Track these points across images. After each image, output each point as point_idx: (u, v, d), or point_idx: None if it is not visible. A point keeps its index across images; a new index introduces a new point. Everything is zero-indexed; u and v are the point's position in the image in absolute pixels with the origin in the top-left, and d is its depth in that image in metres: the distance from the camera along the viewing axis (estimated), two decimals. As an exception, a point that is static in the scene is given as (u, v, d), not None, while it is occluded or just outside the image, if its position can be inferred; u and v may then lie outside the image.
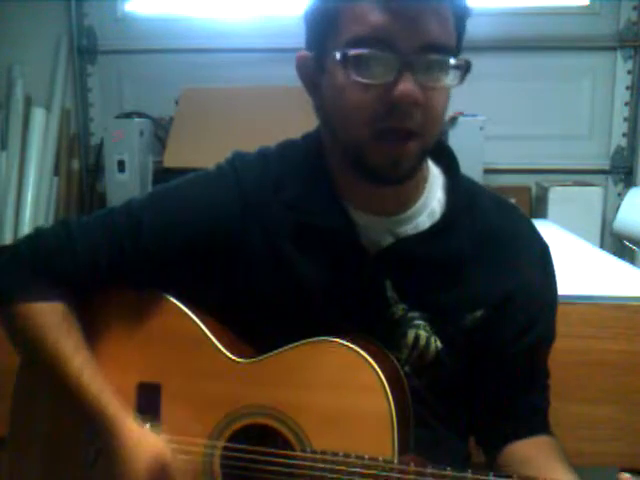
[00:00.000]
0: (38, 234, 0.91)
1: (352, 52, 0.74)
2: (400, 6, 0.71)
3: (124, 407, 0.85)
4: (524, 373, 0.90)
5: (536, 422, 0.91)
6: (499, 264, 0.87)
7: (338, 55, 0.75)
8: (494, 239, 0.87)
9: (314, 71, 0.80)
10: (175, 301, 0.90)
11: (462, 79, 0.77)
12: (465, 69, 0.76)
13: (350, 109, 0.76)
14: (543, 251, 0.91)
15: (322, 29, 0.78)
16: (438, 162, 0.91)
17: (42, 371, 0.90)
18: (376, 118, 0.75)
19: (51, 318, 0.87)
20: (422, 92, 0.74)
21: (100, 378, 0.86)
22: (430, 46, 0.73)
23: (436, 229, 0.85)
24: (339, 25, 0.75)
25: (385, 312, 0.86)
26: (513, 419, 0.90)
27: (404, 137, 0.76)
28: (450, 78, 0.76)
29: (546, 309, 0.91)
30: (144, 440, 0.83)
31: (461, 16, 0.77)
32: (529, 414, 0.91)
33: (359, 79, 0.74)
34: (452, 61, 0.75)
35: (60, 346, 0.85)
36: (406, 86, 0.72)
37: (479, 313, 0.86)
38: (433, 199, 0.87)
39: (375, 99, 0.74)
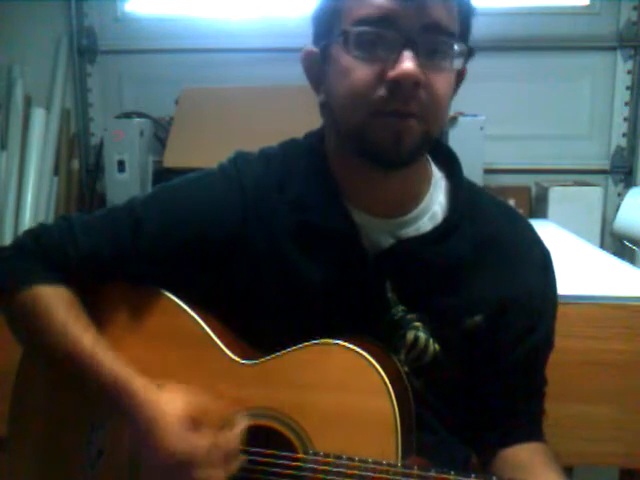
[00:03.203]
0: (41, 229, 0.91)
1: (354, 30, 0.74)
2: None
3: (142, 378, 0.83)
4: (522, 379, 0.90)
5: (531, 429, 0.91)
6: (500, 269, 0.87)
7: (340, 35, 0.75)
8: (496, 244, 0.87)
9: (320, 65, 0.81)
10: (178, 301, 0.90)
11: (464, 64, 0.78)
12: (467, 55, 0.77)
13: (352, 89, 0.76)
14: (544, 257, 0.91)
15: (327, 21, 0.79)
16: (441, 165, 0.90)
17: (49, 356, 0.88)
18: (378, 99, 0.75)
19: (56, 300, 0.86)
20: (424, 73, 0.74)
21: (112, 353, 0.84)
22: (433, 26, 0.74)
23: (437, 232, 0.85)
24: (343, 12, 0.76)
25: (385, 313, 0.86)
26: (509, 424, 0.90)
27: (405, 116, 0.75)
28: (452, 62, 0.76)
29: (546, 315, 0.90)
30: (165, 391, 0.82)
31: (465, 10, 0.78)
32: (525, 420, 0.91)
33: (361, 55, 0.74)
34: (455, 45, 0.75)
35: (69, 326, 0.84)
36: (407, 65, 0.72)
37: (478, 318, 0.86)
38: (435, 202, 0.87)
39: (377, 78, 0.74)
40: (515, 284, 0.87)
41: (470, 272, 0.86)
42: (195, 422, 0.79)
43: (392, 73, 0.73)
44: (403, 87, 0.73)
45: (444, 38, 0.75)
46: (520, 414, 0.91)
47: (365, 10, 0.74)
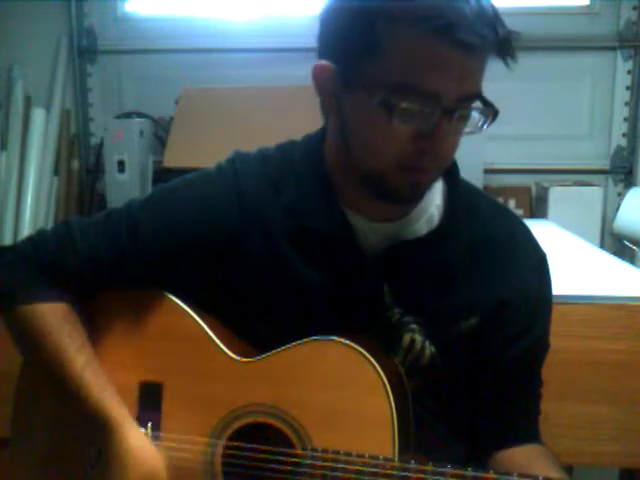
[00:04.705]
0: (40, 234, 0.92)
1: (402, 104, 0.71)
2: (454, 62, 0.70)
3: (125, 410, 0.85)
4: (518, 380, 0.90)
5: (528, 430, 0.91)
6: (495, 271, 0.87)
7: (381, 97, 0.72)
8: (491, 246, 0.87)
9: (337, 85, 0.77)
10: (177, 300, 0.90)
11: (488, 125, 0.77)
12: (493, 116, 0.76)
13: (378, 144, 0.76)
14: (540, 259, 0.91)
15: (360, 51, 0.73)
16: None
17: (44, 372, 0.89)
18: (404, 156, 0.75)
19: (53, 319, 0.87)
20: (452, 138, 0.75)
21: (102, 379, 0.86)
22: (470, 96, 0.74)
23: (434, 235, 0.85)
24: (385, 61, 0.72)
25: (382, 315, 0.86)
26: (506, 426, 0.90)
27: (426, 170, 0.77)
28: (476, 122, 0.77)
29: (541, 317, 0.91)
30: (141, 452, 0.83)
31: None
32: (522, 421, 0.91)
33: (397, 125, 0.73)
34: (482, 107, 0.75)
35: (62, 348, 0.86)
36: (446, 139, 0.73)
37: (474, 320, 0.86)
38: (432, 204, 0.87)
39: (408, 141, 0.74)
40: (510, 286, 0.87)
41: (466, 274, 0.86)
42: None
43: (427, 142, 0.73)
44: (435, 155, 0.75)
45: (476, 104, 0.75)
46: (516, 415, 0.91)
47: (411, 77, 0.70)
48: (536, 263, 0.90)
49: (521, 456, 0.88)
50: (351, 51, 0.74)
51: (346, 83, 0.76)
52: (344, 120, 0.79)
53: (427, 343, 0.86)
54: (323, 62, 0.78)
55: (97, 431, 0.85)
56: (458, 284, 0.86)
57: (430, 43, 0.69)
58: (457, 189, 0.88)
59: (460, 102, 0.73)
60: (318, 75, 0.79)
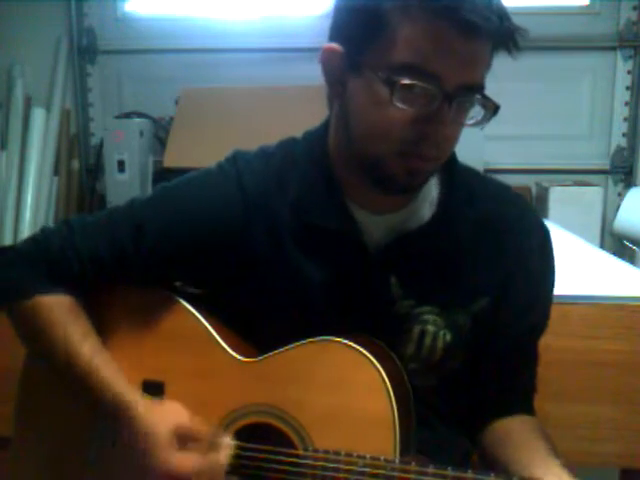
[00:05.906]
0: (42, 233, 0.92)
1: (403, 81, 0.72)
2: (457, 45, 0.71)
3: (136, 390, 0.86)
4: (518, 356, 0.92)
5: (524, 403, 0.93)
6: (500, 249, 0.88)
7: (384, 75, 0.73)
8: (495, 225, 0.88)
9: (342, 68, 0.78)
10: (180, 300, 0.90)
11: (488, 120, 0.77)
12: (493, 112, 0.77)
13: (379, 125, 0.76)
14: (543, 236, 0.92)
15: (367, 32, 0.74)
16: None
17: (51, 364, 0.89)
18: (403, 140, 0.75)
19: (59, 310, 0.87)
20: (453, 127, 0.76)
21: (110, 362, 0.86)
22: (471, 86, 0.74)
23: (436, 221, 0.86)
24: (390, 40, 0.73)
25: (390, 309, 0.86)
26: (503, 398, 0.92)
27: (425, 159, 0.77)
28: (477, 117, 0.77)
29: (544, 293, 0.92)
30: (159, 407, 0.84)
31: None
32: (518, 394, 0.93)
33: (399, 105, 0.73)
34: (483, 101, 0.76)
35: (69, 335, 0.86)
36: (445, 125, 0.74)
37: (485, 300, 0.87)
38: (432, 192, 0.87)
39: (408, 124, 0.74)
40: (514, 262, 0.88)
41: (472, 256, 0.87)
42: (183, 441, 0.81)
43: (427, 127, 0.74)
44: (433, 139, 0.75)
45: (477, 97, 0.75)
46: (514, 389, 0.92)
47: (414, 57, 0.72)
48: (539, 241, 0.91)
49: (514, 424, 0.90)
50: (358, 31, 0.75)
51: (352, 65, 0.77)
52: (347, 104, 0.79)
53: (442, 333, 0.86)
54: (332, 44, 0.79)
55: (107, 416, 0.85)
56: (466, 266, 0.87)
57: (435, 23, 0.70)
58: (456, 173, 0.88)
59: (461, 89, 0.73)
60: (326, 58, 0.80)
